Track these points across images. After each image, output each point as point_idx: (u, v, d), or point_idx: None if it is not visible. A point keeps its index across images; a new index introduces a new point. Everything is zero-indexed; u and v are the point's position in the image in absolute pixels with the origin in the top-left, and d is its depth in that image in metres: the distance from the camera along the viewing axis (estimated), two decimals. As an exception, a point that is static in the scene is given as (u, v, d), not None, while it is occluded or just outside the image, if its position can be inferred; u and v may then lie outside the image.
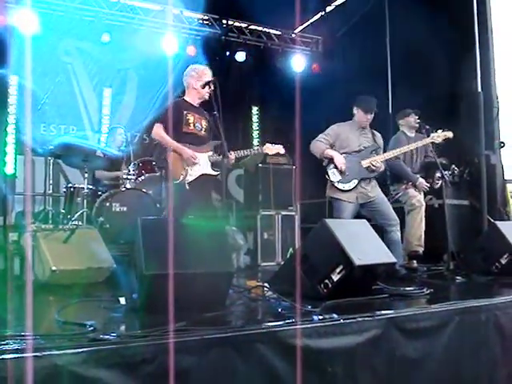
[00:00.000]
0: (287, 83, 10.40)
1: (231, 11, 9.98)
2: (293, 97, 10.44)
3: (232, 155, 5.26)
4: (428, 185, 6.43)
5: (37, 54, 8.42)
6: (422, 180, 6.39)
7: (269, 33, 10.75)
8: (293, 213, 8.19)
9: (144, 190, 6.74)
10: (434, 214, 6.68)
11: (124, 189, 6.67)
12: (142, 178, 6.89)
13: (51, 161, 7.16)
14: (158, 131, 5.26)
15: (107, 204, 6.43)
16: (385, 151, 6.01)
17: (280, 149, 5.73)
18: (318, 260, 3.90)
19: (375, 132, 5.96)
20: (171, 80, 8.52)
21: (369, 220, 4.65)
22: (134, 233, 3.52)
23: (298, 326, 2.78)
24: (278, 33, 10.83)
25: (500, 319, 3.63)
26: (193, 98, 5.46)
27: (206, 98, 5.38)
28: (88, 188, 6.44)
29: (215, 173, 5.42)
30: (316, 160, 5.94)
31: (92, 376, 2.19)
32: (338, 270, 3.75)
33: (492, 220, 6.64)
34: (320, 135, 5.88)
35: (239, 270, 6.43)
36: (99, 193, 6.78)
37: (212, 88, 5.03)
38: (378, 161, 5.72)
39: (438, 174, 6.25)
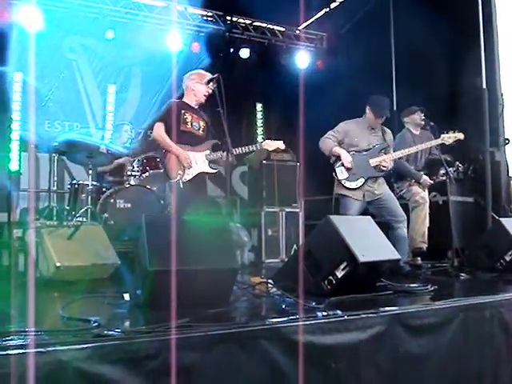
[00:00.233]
0: (291, 80, 10.37)
1: (235, 8, 9.95)
2: (297, 93, 10.44)
3: (232, 151, 5.29)
4: (432, 182, 6.42)
5: (41, 51, 8.43)
6: (426, 177, 6.37)
7: (273, 29, 10.74)
8: (297, 209, 8.19)
9: (148, 187, 6.74)
10: (439, 211, 6.67)
11: (128, 185, 6.68)
12: (147, 174, 6.89)
13: (55, 157, 7.17)
14: (159, 131, 5.37)
15: (111, 200, 6.44)
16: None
17: (280, 144, 5.75)
18: (322, 256, 3.90)
19: (385, 129, 5.93)
20: (175, 76, 8.53)
21: (375, 217, 4.65)
22: (138, 229, 3.53)
23: (301, 323, 2.78)
24: (282, 29, 10.81)
25: (504, 316, 3.63)
26: (191, 99, 5.56)
27: (203, 100, 5.51)
28: (92, 184, 6.45)
29: (213, 170, 5.51)
30: (320, 157, 5.93)
31: (96, 372, 2.20)
32: (342, 266, 3.75)
33: (496, 217, 6.64)
34: (329, 132, 5.86)
35: (243, 266, 6.43)
36: (103, 189, 6.80)
37: (215, 85, 5.05)
38: (387, 160, 5.70)
39: (443, 171, 6.24)
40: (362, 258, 3.73)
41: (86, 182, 6.59)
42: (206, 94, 5.44)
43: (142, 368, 2.30)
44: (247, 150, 5.55)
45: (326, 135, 5.86)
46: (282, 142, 5.77)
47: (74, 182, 6.95)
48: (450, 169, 6.37)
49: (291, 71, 10.57)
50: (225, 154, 4.91)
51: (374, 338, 2.97)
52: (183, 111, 5.42)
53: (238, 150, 5.43)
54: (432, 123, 6.12)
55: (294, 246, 7.68)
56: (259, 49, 10.57)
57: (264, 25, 10.64)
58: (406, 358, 3.12)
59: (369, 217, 4.56)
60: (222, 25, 10.15)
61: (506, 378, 3.58)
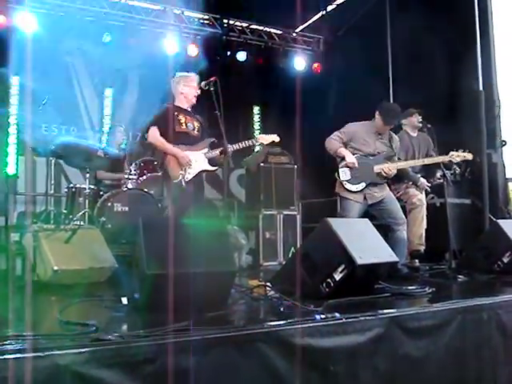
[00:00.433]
0: (288, 82, 10.42)
1: (232, 11, 9.97)
2: (294, 96, 10.47)
3: (229, 148, 5.31)
4: (429, 184, 6.43)
5: (38, 54, 8.41)
6: (423, 180, 6.38)
7: (270, 32, 10.74)
8: (294, 212, 8.19)
9: (145, 190, 6.74)
10: (436, 213, 6.67)
11: (125, 189, 6.68)
12: (144, 177, 6.89)
13: (53, 161, 7.16)
14: (154, 134, 5.39)
15: (109, 204, 6.44)
16: None
17: (275, 137, 5.75)
18: (319, 259, 3.90)
19: (393, 136, 5.91)
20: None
21: (376, 219, 4.64)
22: (135, 233, 3.52)
23: (299, 326, 2.78)
24: (279, 32, 10.82)
25: (502, 318, 3.63)
26: (182, 102, 5.59)
27: (194, 101, 5.57)
28: (90, 188, 6.45)
29: (213, 168, 5.53)
30: (317, 159, 5.93)
31: (94, 376, 2.19)
32: (339, 269, 3.75)
33: (494, 218, 6.63)
34: (335, 132, 5.84)
35: (241, 269, 6.43)
36: (101, 193, 6.79)
37: (212, 88, 5.05)
38: (391, 168, 5.70)
39: (440, 174, 6.24)
40: (360, 260, 3.73)
41: (83, 186, 6.59)
42: (196, 94, 5.51)
43: (140, 372, 2.29)
44: (244, 146, 5.55)
45: (332, 135, 5.84)
46: (276, 135, 5.77)
47: (72, 185, 6.93)
48: (447, 171, 6.36)
49: (288, 74, 10.59)
50: (218, 153, 4.95)
51: (373, 340, 2.97)
52: (176, 113, 5.46)
53: (235, 146, 5.43)
54: (429, 125, 6.14)
55: (292, 249, 7.67)
56: (256, 52, 10.58)
57: (261, 28, 10.64)
58: (404, 360, 3.12)
59: (366, 219, 4.57)
60: (218, 28, 10.16)
61: (504, 379, 3.59)
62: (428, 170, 6.57)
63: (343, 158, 5.72)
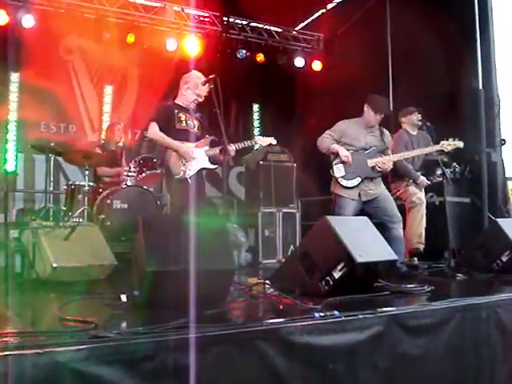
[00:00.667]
0: (288, 80, 10.43)
1: (232, 8, 9.96)
2: (293, 94, 10.48)
3: (232, 146, 5.33)
4: (429, 182, 6.43)
5: (37, 52, 8.42)
6: (423, 178, 6.39)
7: (270, 30, 10.73)
8: (294, 210, 8.18)
9: (145, 188, 6.74)
10: (435, 212, 6.67)
11: (125, 186, 6.67)
12: (143, 175, 6.88)
13: (52, 158, 7.15)
14: (154, 130, 5.34)
15: (108, 201, 6.44)
16: None
17: (271, 140, 5.82)
18: (319, 257, 3.90)
19: (384, 130, 5.91)
20: (171, 77, 8.53)
21: (371, 217, 4.64)
22: (135, 230, 3.52)
23: (299, 324, 2.79)
24: (279, 30, 10.81)
25: (501, 316, 3.63)
26: (182, 101, 5.55)
27: (192, 106, 5.53)
28: (89, 185, 6.45)
29: (213, 166, 5.52)
30: (317, 157, 5.93)
31: (93, 373, 2.20)
32: (339, 267, 3.75)
33: (493, 217, 6.64)
34: (326, 131, 5.86)
35: (240, 267, 6.42)
36: (100, 190, 6.79)
37: (211, 86, 5.05)
38: (385, 162, 5.69)
39: (439, 172, 6.24)
40: (359, 258, 3.73)
41: (82, 183, 6.59)
42: (196, 102, 5.49)
43: (139, 369, 2.29)
44: (243, 146, 5.57)
45: (323, 134, 5.86)
46: (272, 137, 5.82)
47: (71, 182, 6.94)
48: (447, 170, 6.36)
49: (288, 72, 10.58)
50: (218, 151, 4.95)
51: (372, 338, 2.97)
52: (176, 111, 5.44)
53: (235, 146, 5.43)
54: (429, 124, 6.14)
55: (291, 247, 7.68)
56: (256, 50, 10.56)
57: (261, 26, 10.63)
58: (403, 358, 3.12)
59: (366, 217, 4.56)
60: (218, 26, 10.15)
61: (502, 377, 3.59)
62: (428, 168, 6.57)
63: (337, 155, 5.72)
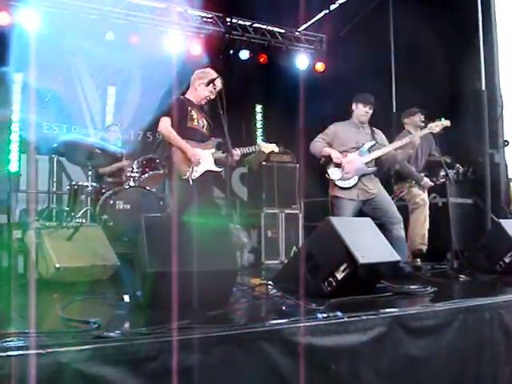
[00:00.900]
0: (291, 81, 10.40)
1: (235, 9, 9.96)
2: (296, 95, 10.44)
3: (238, 151, 5.30)
4: (432, 184, 6.42)
5: (40, 53, 8.42)
6: (426, 179, 6.38)
7: (273, 31, 10.74)
8: (296, 211, 8.19)
9: (147, 188, 6.75)
10: (438, 213, 6.67)
11: (127, 186, 6.68)
12: (146, 175, 6.89)
13: (55, 159, 7.16)
14: (166, 126, 5.22)
15: (111, 202, 6.45)
16: None
17: (274, 147, 5.80)
18: (321, 258, 3.90)
19: (375, 129, 5.95)
20: (175, 78, 8.52)
21: (371, 218, 4.64)
22: (137, 230, 3.52)
23: (301, 324, 2.78)
24: (281, 31, 10.82)
25: (504, 318, 3.63)
26: (194, 97, 5.48)
27: (203, 102, 5.48)
28: (92, 186, 6.45)
29: (219, 169, 5.45)
30: (319, 158, 5.94)
31: (96, 373, 2.20)
32: (342, 268, 3.75)
33: (496, 218, 6.63)
34: (318, 135, 5.92)
35: (243, 268, 6.43)
36: (103, 190, 6.79)
37: (216, 87, 5.05)
38: (378, 155, 5.72)
39: (443, 173, 6.24)
40: (362, 259, 3.73)
41: (85, 184, 6.59)
42: (208, 98, 5.39)
43: (142, 370, 2.29)
44: (248, 151, 5.56)
45: (315, 138, 5.92)
46: (275, 144, 5.81)
47: (74, 183, 6.94)
48: (450, 171, 6.36)
49: (291, 73, 10.59)
50: (224, 155, 4.93)
51: (374, 339, 2.97)
52: (189, 108, 5.36)
53: (240, 150, 5.42)
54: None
55: (294, 248, 7.68)
56: (259, 50, 10.57)
57: (264, 26, 10.64)
58: (406, 359, 3.11)
59: (368, 218, 4.57)
60: (221, 26, 10.15)
61: (505, 379, 3.58)
62: (431, 170, 6.57)
63: (329, 158, 5.75)
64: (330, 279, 3.77)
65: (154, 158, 7.08)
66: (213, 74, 5.39)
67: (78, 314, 2.98)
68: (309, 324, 2.80)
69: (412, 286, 4.26)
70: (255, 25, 10.55)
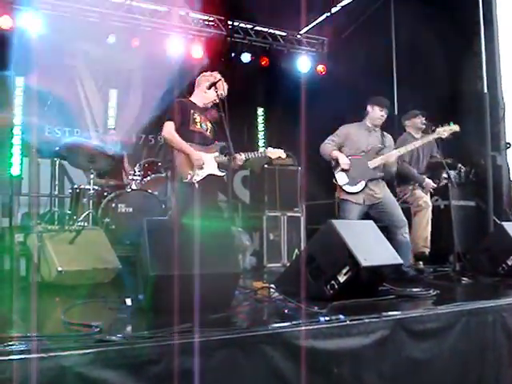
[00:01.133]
0: (292, 84, 10.41)
1: (237, 12, 9.96)
2: (298, 98, 10.44)
3: (242, 155, 5.28)
4: (435, 185, 6.41)
5: (42, 56, 8.44)
6: (428, 180, 6.37)
7: (274, 34, 10.74)
8: (298, 214, 8.17)
9: (149, 191, 6.74)
10: (440, 215, 6.67)
11: (129, 190, 6.68)
12: (148, 178, 6.90)
13: (57, 162, 7.17)
14: (170, 130, 5.21)
15: (113, 205, 6.44)
16: None
17: (281, 153, 5.67)
18: (324, 261, 3.90)
19: (385, 133, 5.92)
20: (176, 81, 8.53)
21: (376, 221, 4.64)
22: (139, 234, 3.52)
23: (304, 328, 2.78)
24: (283, 34, 10.82)
25: (507, 320, 3.62)
26: (198, 99, 5.47)
27: (209, 105, 5.46)
28: (93, 189, 6.45)
29: (221, 173, 5.39)
30: (321, 161, 5.94)
31: (98, 377, 2.19)
32: (344, 271, 3.75)
33: (498, 221, 6.62)
34: (329, 137, 5.88)
35: (245, 271, 6.42)
36: (105, 194, 6.79)
37: (218, 90, 5.04)
38: (384, 160, 5.69)
39: (445, 175, 6.23)
40: (364, 262, 3.72)
41: (87, 187, 6.59)
42: (215, 101, 5.30)
43: (144, 373, 2.29)
44: (253, 157, 5.49)
45: (326, 140, 5.88)
46: (282, 150, 5.69)
47: (76, 186, 6.94)
48: (451, 171, 6.35)
49: (292, 75, 10.59)
50: (227, 159, 4.91)
51: (377, 342, 2.96)
52: (192, 111, 5.34)
53: (244, 156, 5.38)
54: (434, 127, 6.10)
55: (296, 251, 7.66)
56: (260, 53, 10.57)
57: (265, 29, 10.64)
58: (408, 362, 3.11)
59: (371, 221, 4.56)
60: (223, 29, 10.15)
61: (507, 381, 3.57)
62: (433, 171, 6.56)
63: (337, 162, 5.73)
64: (333, 282, 3.77)
65: (156, 161, 7.08)
66: (218, 77, 5.38)
67: (79, 318, 2.97)
68: (311, 327, 2.80)
69: (414, 289, 4.25)
70: (257, 28, 10.55)
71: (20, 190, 8.86)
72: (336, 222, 4.05)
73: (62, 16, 8.76)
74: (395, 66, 8.73)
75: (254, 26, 10.52)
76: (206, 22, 10.12)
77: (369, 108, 5.84)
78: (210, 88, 5.24)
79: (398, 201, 6.10)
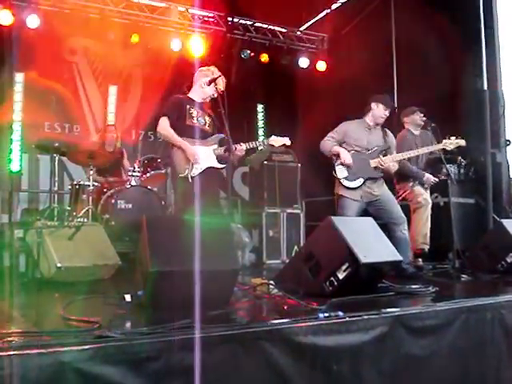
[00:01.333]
0: (292, 81, 10.41)
1: (237, 9, 9.95)
2: (298, 94, 10.47)
3: (242, 146, 5.26)
4: (436, 180, 6.38)
5: (42, 52, 8.43)
6: (428, 175, 6.35)
7: (274, 30, 10.72)
8: (298, 210, 8.17)
9: (149, 187, 6.75)
10: (440, 212, 6.66)
11: (129, 186, 6.68)
12: (147, 175, 6.90)
13: (56, 158, 7.17)
14: (164, 125, 5.21)
15: (112, 201, 6.45)
16: None
17: (286, 141, 5.58)
18: (323, 258, 3.90)
19: (387, 131, 5.89)
20: (176, 78, 8.54)
21: (375, 218, 4.63)
22: (139, 230, 3.52)
23: (303, 324, 2.78)
24: (283, 30, 10.80)
25: (505, 318, 3.62)
26: (197, 95, 5.45)
27: (208, 99, 5.43)
28: (93, 185, 6.45)
29: (221, 166, 5.35)
30: (321, 158, 5.93)
31: (97, 373, 2.20)
32: (343, 267, 3.75)
33: (498, 218, 6.62)
34: (328, 134, 5.86)
35: (244, 267, 6.42)
36: (104, 190, 6.80)
37: (218, 85, 5.02)
38: (387, 161, 5.68)
39: (444, 170, 6.23)
40: (364, 259, 3.73)
41: (86, 183, 6.60)
42: (213, 96, 5.29)
43: (143, 369, 2.29)
44: (254, 146, 5.46)
45: (325, 137, 5.86)
46: (287, 138, 5.62)
47: (75, 182, 6.95)
48: (451, 167, 6.34)
49: (292, 72, 10.58)
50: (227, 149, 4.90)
51: (376, 339, 2.97)
52: (188, 106, 5.31)
53: (247, 145, 5.36)
54: (433, 124, 6.10)
55: (295, 247, 7.67)
56: (260, 50, 10.56)
57: (265, 26, 10.62)
58: (407, 359, 3.11)
59: (370, 218, 4.56)
60: (223, 26, 10.13)
61: (507, 378, 3.58)
62: (433, 167, 6.55)
63: (338, 156, 5.71)
64: (332, 279, 3.77)
65: (156, 158, 7.09)
66: (216, 72, 5.37)
67: (79, 314, 2.97)
68: (310, 324, 2.80)
69: (414, 286, 4.26)
70: (256, 24, 10.53)
71: (20, 186, 8.87)
72: (335, 219, 4.05)
73: (61, 12, 8.74)
74: (395, 62, 8.73)
75: (254, 23, 10.50)
76: (206, 19, 10.11)
77: (373, 105, 5.81)
78: (209, 84, 5.22)
79: (397, 198, 6.10)
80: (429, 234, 6.27)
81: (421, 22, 7.56)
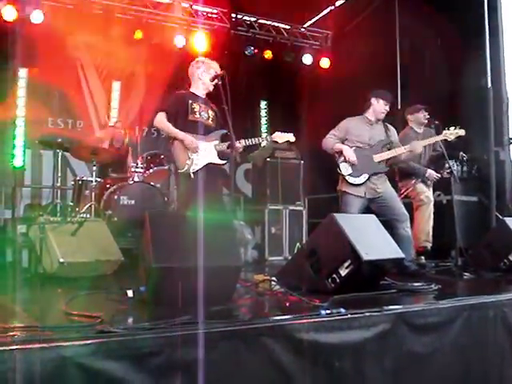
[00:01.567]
0: (295, 78, 10.41)
1: (240, 5, 9.95)
2: (301, 91, 10.47)
3: (241, 143, 5.21)
4: (439, 176, 6.37)
5: (45, 48, 8.43)
6: (431, 171, 6.34)
7: (278, 27, 10.72)
8: (300, 207, 8.17)
9: (152, 183, 6.75)
10: (443, 210, 6.66)
11: (132, 182, 6.68)
12: (150, 171, 6.90)
13: (59, 154, 7.17)
14: (160, 119, 5.17)
15: (115, 197, 6.45)
16: None
17: (290, 137, 5.56)
18: (325, 254, 3.89)
19: (389, 126, 5.87)
20: (179, 74, 8.52)
21: (377, 215, 4.63)
22: (141, 226, 3.52)
23: (305, 321, 2.78)
24: (287, 27, 10.80)
25: (508, 316, 3.62)
26: (198, 88, 5.42)
27: (211, 89, 5.34)
28: (96, 181, 6.46)
29: (222, 162, 5.32)
30: (324, 155, 5.92)
31: (99, 368, 2.20)
32: (345, 264, 3.74)
33: (500, 216, 6.61)
34: (330, 131, 5.85)
35: (247, 264, 6.43)
36: (107, 186, 6.80)
37: (220, 82, 5.00)
38: (390, 155, 5.67)
39: (447, 165, 6.22)
40: (366, 256, 3.72)
41: (89, 179, 6.60)
42: (214, 84, 5.25)
43: (145, 365, 2.30)
44: (256, 142, 5.41)
45: (327, 135, 5.85)
46: (291, 134, 5.59)
47: (78, 178, 6.96)
48: (452, 162, 6.32)
49: (296, 69, 10.57)
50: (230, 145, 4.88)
51: (378, 336, 2.96)
52: (190, 101, 5.27)
53: (249, 142, 5.32)
54: (437, 122, 6.09)
55: (298, 244, 7.66)
56: (264, 46, 10.56)
57: (269, 23, 10.62)
58: (410, 356, 3.11)
59: (373, 215, 4.55)
60: (227, 22, 10.14)
61: (510, 376, 3.57)
62: (436, 164, 6.54)
63: (341, 153, 5.70)
64: (334, 276, 3.77)
65: (159, 154, 7.08)
66: (215, 67, 5.34)
67: (81, 309, 2.97)
68: (312, 320, 2.80)
69: (416, 283, 4.25)
70: (260, 21, 10.54)
71: (23, 182, 8.88)
72: (338, 216, 4.04)
73: (65, 8, 8.74)
74: (399, 59, 8.72)
75: (258, 19, 10.50)
76: (210, 15, 10.11)
77: (373, 100, 5.79)
78: (213, 80, 5.20)
79: (399, 196, 6.09)
80: (431, 232, 6.28)
81: (425, 19, 7.55)
